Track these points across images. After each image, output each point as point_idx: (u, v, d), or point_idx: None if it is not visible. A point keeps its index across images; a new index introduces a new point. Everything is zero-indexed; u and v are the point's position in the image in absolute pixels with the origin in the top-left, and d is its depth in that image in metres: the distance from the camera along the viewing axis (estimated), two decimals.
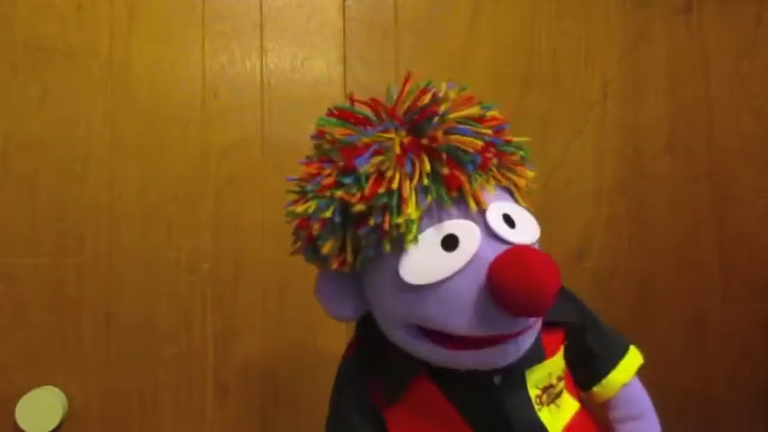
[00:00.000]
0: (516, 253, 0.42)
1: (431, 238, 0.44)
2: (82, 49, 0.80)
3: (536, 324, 0.47)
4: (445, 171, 0.44)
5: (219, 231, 0.82)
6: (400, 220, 0.43)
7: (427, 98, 0.46)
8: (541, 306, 0.41)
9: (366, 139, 0.45)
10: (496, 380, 0.49)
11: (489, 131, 0.47)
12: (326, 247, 0.46)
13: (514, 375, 0.49)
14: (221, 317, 0.82)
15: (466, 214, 0.45)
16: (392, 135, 0.46)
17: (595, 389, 0.57)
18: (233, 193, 0.82)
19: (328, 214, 0.44)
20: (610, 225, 0.93)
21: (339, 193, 0.44)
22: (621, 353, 0.58)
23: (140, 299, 0.80)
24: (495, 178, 0.48)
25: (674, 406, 0.91)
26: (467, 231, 0.44)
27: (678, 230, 0.94)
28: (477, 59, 0.91)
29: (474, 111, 0.47)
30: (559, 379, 0.53)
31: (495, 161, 0.47)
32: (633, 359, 0.58)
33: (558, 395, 0.52)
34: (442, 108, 0.46)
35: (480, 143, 0.45)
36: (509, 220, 0.46)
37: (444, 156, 0.44)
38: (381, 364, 0.52)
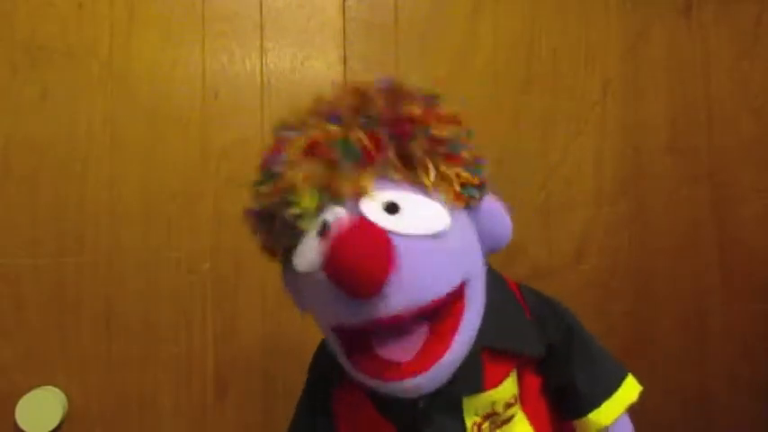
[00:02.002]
0: (339, 230, 0.41)
1: (315, 227, 0.46)
2: (82, 49, 0.80)
3: (429, 372, 0.43)
4: (330, 168, 0.45)
5: (219, 231, 0.82)
6: (296, 212, 0.45)
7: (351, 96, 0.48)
8: (353, 284, 0.39)
9: (294, 137, 0.48)
10: (421, 403, 0.48)
11: (385, 122, 0.46)
12: (258, 239, 0.50)
13: (446, 400, 0.48)
14: (221, 317, 0.82)
15: (345, 203, 0.45)
16: (319, 130, 0.47)
17: (574, 423, 0.54)
18: (233, 193, 0.82)
19: (255, 207, 0.49)
20: (610, 225, 0.93)
21: (258, 189, 0.48)
22: (609, 390, 0.53)
23: (140, 299, 0.80)
24: (391, 171, 0.46)
25: (674, 406, 0.91)
26: (336, 217, 0.45)
27: (678, 230, 0.94)
28: (477, 59, 0.91)
29: (380, 106, 0.47)
30: (508, 406, 0.50)
31: (390, 155, 0.46)
32: (622, 397, 0.53)
33: (507, 421, 0.50)
34: (352, 103, 0.47)
35: (363, 137, 0.45)
36: (392, 207, 0.44)
37: (333, 153, 0.46)
38: (326, 353, 0.55)
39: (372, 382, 0.45)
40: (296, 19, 0.87)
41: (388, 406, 0.50)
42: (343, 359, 0.47)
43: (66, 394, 0.77)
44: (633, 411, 0.54)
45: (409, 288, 0.42)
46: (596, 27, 0.95)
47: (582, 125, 0.93)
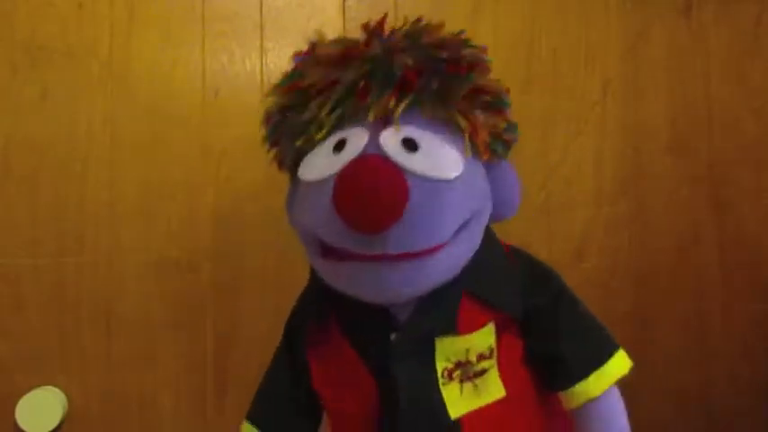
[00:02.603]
0: (355, 162, 0.40)
1: (330, 141, 0.45)
2: (82, 49, 0.80)
3: (407, 266, 0.42)
4: (360, 81, 0.44)
5: (220, 231, 0.82)
6: (307, 116, 0.44)
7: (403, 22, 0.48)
8: (362, 218, 0.39)
9: (331, 46, 0.47)
10: (392, 336, 0.47)
11: (435, 55, 0.45)
12: (266, 140, 0.50)
13: (417, 340, 0.47)
14: (221, 317, 0.82)
15: (367, 124, 0.44)
16: (362, 43, 0.47)
17: (560, 394, 0.51)
18: (233, 193, 0.82)
19: (270, 107, 0.47)
20: (610, 225, 0.93)
21: (278, 86, 0.47)
22: (599, 361, 0.50)
23: (140, 299, 0.80)
24: (427, 105, 0.44)
25: (674, 406, 0.91)
26: (355, 138, 0.44)
27: (678, 230, 0.94)
28: None
29: (433, 39, 0.46)
30: (482, 357, 0.48)
31: (433, 86, 0.44)
32: (613, 369, 0.50)
33: (480, 374, 0.48)
34: (404, 29, 0.47)
35: (409, 61, 0.44)
36: (410, 144, 0.43)
37: (368, 67, 0.45)
38: (305, 295, 0.57)
39: (346, 278, 0.44)
40: (296, 19, 0.87)
41: (361, 340, 0.49)
42: (316, 261, 0.46)
43: (66, 394, 0.77)
44: (632, 411, 0.54)
45: (414, 231, 0.41)
46: (596, 27, 0.95)
47: (582, 125, 0.93)
